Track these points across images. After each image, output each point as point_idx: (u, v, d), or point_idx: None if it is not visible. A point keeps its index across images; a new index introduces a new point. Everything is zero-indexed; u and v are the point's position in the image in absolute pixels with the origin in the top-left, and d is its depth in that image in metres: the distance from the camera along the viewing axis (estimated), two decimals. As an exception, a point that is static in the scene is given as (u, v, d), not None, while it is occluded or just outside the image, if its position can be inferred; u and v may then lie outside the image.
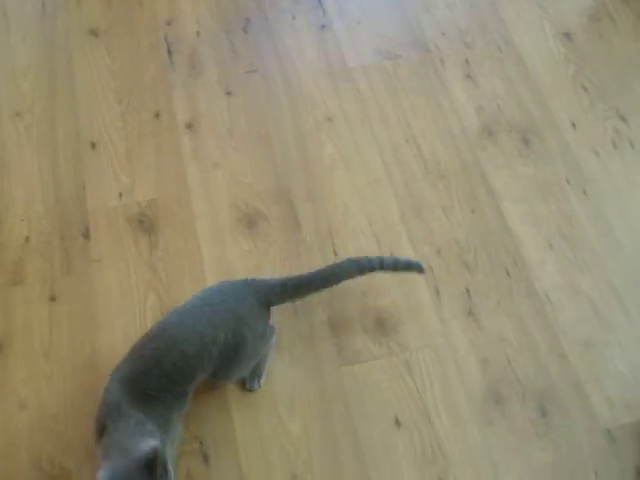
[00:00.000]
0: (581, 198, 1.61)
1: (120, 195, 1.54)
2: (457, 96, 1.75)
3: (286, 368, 1.35)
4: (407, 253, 1.50)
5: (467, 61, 1.81)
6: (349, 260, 1.28)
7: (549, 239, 1.55)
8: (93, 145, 1.61)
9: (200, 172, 1.58)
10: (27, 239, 1.49)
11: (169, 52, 1.76)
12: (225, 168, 1.59)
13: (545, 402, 1.34)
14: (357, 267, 1.27)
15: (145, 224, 1.51)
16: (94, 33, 1.78)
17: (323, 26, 1.84)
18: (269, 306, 1.23)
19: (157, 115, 1.66)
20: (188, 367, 1.10)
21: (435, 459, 1.28)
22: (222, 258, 1.48)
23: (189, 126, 1.65)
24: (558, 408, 1.34)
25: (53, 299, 1.42)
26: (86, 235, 1.49)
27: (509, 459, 1.28)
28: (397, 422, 1.31)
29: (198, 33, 1.80)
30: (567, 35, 1.87)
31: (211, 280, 1.44)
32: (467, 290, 1.47)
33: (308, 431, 1.29)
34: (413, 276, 1.45)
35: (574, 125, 1.72)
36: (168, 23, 1.81)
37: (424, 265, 1.38)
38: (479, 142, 1.68)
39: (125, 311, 1.39)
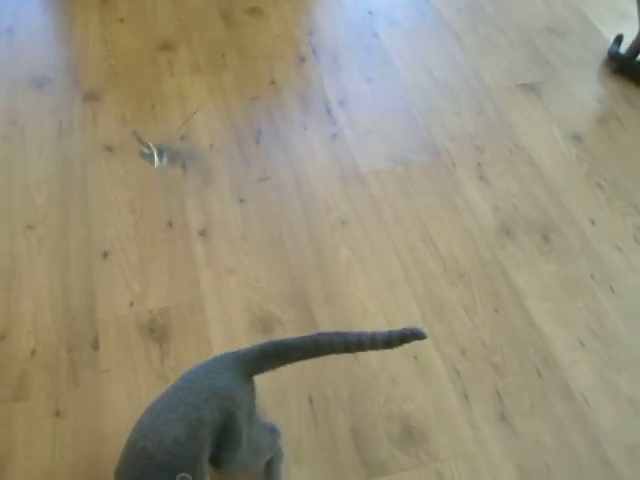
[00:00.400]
0: (608, 294, 1.55)
1: (131, 303, 1.50)
2: (471, 196, 1.73)
3: (307, 483, 1.24)
4: (430, 354, 1.43)
5: (479, 164, 1.82)
6: (337, 333, 1.12)
7: (579, 337, 1.47)
8: (105, 254, 1.58)
9: (214, 278, 1.55)
10: (33, 352, 1.43)
11: (183, 165, 1.78)
12: (239, 273, 1.56)
13: (594, 514, 1.22)
14: (343, 341, 1.09)
15: (156, 332, 1.45)
16: (109, 149, 1.81)
17: (334, 135, 1.87)
18: (251, 376, 1.12)
19: (170, 223, 1.65)
20: (187, 451, 1.00)
21: None
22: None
23: (202, 233, 1.63)
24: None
25: (58, 414, 1.34)
26: (95, 346, 1.43)
27: None
28: (431, 541, 1.18)
29: (211, 145, 1.83)
30: (577, 137, 1.89)
31: (225, 389, 1.36)
32: (497, 393, 1.38)
33: None
34: (439, 379, 1.37)
35: (593, 222, 1.69)
36: (182, 138, 1.84)
37: (425, 331, 1.10)
38: (497, 241, 1.64)
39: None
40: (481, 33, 2.20)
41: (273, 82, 2.01)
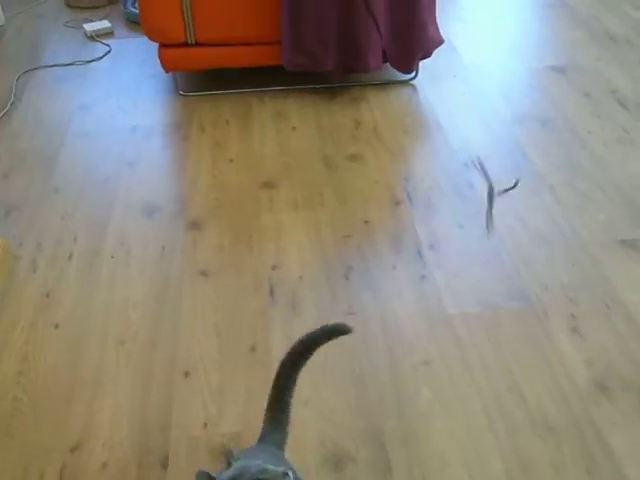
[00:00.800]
0: None
1: (205, 425, 1.49)
2: (563, 348, 1.66)
3: None
4: (513, 513, 1.31)
5: (572, 315, 1.76)
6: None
7: (684, 512, 1.32)
8: (187, 374, 1.60)
9: (289, 407, 1.52)
10: (104, 465, 1.43)
11: (271, 293, 1.82)
12: (315, 405, 1.53)
13: None
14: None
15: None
16: (204, 274, 1.89)
17: (423, 276, 1.87)
18: None
19: (253, 349, 1.66)
20: None
21: None
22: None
23: (283, 362, 1.63)
24: None
25: (119, 533, 1.31)
26: (165, 464, 1.42)
27: None
28: None
29: (301, 277, 1.87)
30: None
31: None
32: None
33: None
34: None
35: (699, 385, 1.57)
36: (273, 267, 1.90)
37: None
38: (591, 397, 1.54)
39: None
40: (577, 188, 2.20)
41: (367, 222, 2.07)
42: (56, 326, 1.75)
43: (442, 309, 1.77)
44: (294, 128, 2.53)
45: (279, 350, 1.66)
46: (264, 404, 1.53)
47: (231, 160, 2.36)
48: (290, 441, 1.44)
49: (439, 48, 2.70)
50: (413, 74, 2.80)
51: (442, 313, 1.76)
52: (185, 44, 2.54)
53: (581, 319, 1.74)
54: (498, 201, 2.13)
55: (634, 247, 1.97)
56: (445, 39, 2.72)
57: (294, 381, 1.24)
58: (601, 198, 2.16)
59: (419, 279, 1.87)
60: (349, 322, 1.75)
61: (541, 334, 1.70)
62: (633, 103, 2.64)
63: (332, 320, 1.73)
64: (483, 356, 1.64)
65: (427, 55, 2.68)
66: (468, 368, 1.62)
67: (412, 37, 2.58)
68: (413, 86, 2.80)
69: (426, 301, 1.80)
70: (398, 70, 2.74)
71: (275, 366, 1.61)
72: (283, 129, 2.53)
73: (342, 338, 1.70)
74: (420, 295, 1.82)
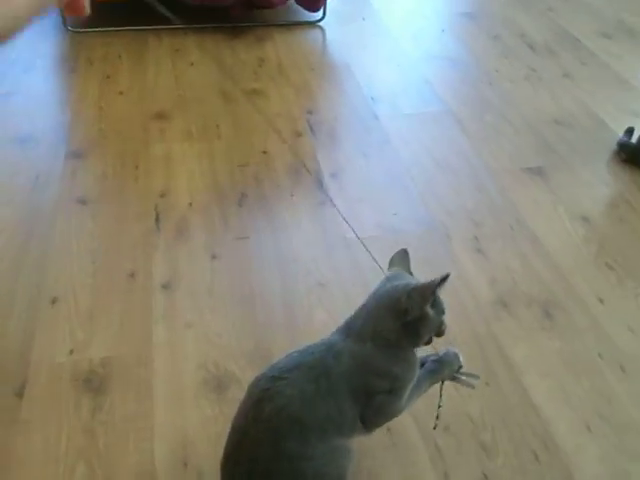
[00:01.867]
0: (619, 375, 1.34)
1: (71, 351, 1.32)
2: (467, 268, 1.58)
3: None
4: (407, 427, 1.21)
5: (476, 237, 1.67)
6: None
7: (585, 420, 1.25)
8: (54, 300, 1.43)
9: (168, 330, 1.38)
10: (-48, 398, 1.25)
11: (157, 219, 1.66)
12: (198, 328, 1.39)
13: None
14: None
15: (93, 383, 1.26)
16: (82, 202, 1.71)
17: (322, 203, 1.76)
18: None
19: (132, 275, 1.51)
20: None
21: None
22: (178, 424, 1.20)
23: (165, 286, 1.48)
24: None
25: (-38, 468, 1.13)
26: (20, 393, 1.24)
27: None
28: None
29: (190, 204, 1.72)
30: (584, 218, 1.75)
31: (160, 450, 1.15)
32: (484, 475, 1.15)
33: None
34: (417, 456, 1.15)
35: (601, 300, 1.51)
36: (162, 195, 1.75)
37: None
38: (493, 313, 1.46)
39: (44, 485, 1.09)
40: (485, 121, 2.13)
41: (265, 152, 1.94)
42: None
43: (341, 234, 1.66)
44: (192, 64, 2.37)
45: (161, 275, 1.51)
46: (140, 328, 1.38)
47: (121, 92, 2.18)
48: (168, 364, 1.30)
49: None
50: (320, 15, 2.68)
51: (341, 237, 1.65)
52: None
53: (485, 241, 1.67)
54: (405, 130, 2.04)
55: (540, 174, 1.91)
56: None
57: None
58: (509, 130, 2.10)
59: (318, 206, 1.75)
60: (240, 246, 1.62)
61: (444, 256, 1.61)
62: (540, 45, 2.60)
63: (222, 246, 1.59)
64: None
65: (333, -7, 2.56)
66: (367, 289, 1.50)
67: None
68: (321, 27, 2.68)
69: (324, 226, 1.68)
70: (305, 9, 2.62)
71: (156, 291, 1.46)
72: (180, 65, 2.36)
73: (231, 261, 1.56)
74: (318, 221, 1.70)
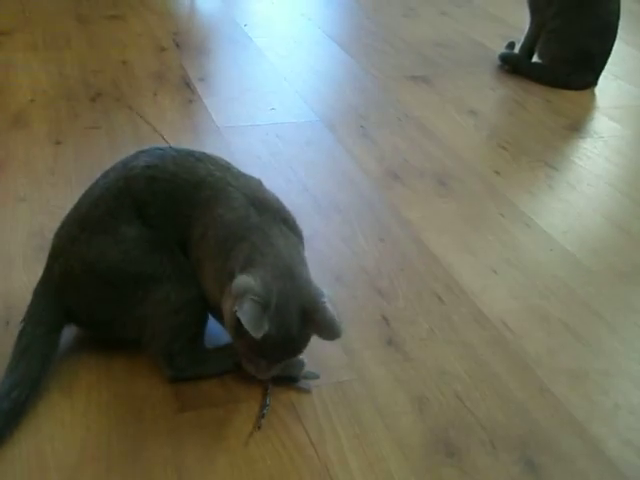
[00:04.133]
0: (525, 230, 1.21)
1: None
2: (353, 150, 1.42)
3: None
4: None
5: (362, 126, 1.53)
6: None
7: (491, 265, 1.11)
8: None
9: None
10: None
11: (-10, 114, 1.41)
12: (34, 201, 1.14)
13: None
14: None
15: None
16: None
17: (190, 101, 1.56)
18: None
19: (-46, 157, 1.24)
20: None
21: None
22: (2, 287, 0.95)
23: (-3, 168, 1.22)
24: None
25: None
26: None
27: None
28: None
29: (32, 100, 1.48)
30: (473, 112, 1.65)
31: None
32: (384, 318, 0.97)
33: None
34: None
35: (498, 172, 1.39)
36: (-3, 94, 1.49)
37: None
38: (384, 183, 1.31)
39: None
40: (366, 44, 2.02)
41: (125, 62, 1.72)
42: None
43: (212, 124, 1.47)
44: (43, -8, 2.13)
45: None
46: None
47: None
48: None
49: None
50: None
51: (212, 127, 1.46)
52: None
53: (371, 129, 1.52)
54: (281, 50, 1.89)
55: (426, 81, 1.80)
56: None
57: None
58: (390, 50, 1.99)
59: (186, 103, 1.55)
60: (92, 136, 1.39)
61: (329, 142, 1.45)
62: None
63: (69, 134, 1.36)
64: (262, 162, 1.35)
65: None
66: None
67: None
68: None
69: (192, 119, 1.48)
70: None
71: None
72: (29, -9, 2.11)
73: (78, 147, 1.33)
74: (187, 115, 1.50)
